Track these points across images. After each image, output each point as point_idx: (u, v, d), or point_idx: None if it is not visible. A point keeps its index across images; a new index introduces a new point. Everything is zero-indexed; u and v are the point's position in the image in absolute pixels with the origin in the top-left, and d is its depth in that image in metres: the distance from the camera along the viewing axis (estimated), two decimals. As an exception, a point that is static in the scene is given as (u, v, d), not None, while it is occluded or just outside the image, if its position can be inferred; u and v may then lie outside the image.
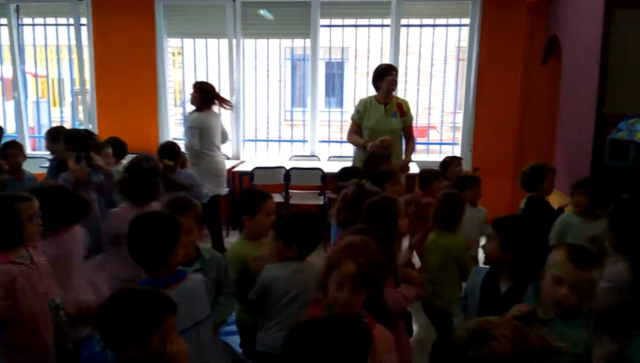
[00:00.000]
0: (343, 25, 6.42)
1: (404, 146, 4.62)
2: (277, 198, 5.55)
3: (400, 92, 5.62)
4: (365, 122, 4.46)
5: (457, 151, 6.21)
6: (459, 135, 6.28)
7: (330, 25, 6.37)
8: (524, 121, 5.98)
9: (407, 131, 4.55)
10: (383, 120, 4.42)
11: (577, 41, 4.79)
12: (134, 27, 6.16)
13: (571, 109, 4.97)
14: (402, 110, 4.48)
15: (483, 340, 1.27)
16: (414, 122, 4.63)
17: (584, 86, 4.49)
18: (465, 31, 6.04)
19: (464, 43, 6.11)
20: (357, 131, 4.51)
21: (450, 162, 4.36)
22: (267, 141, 6.88)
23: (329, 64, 9.37)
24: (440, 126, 7.23)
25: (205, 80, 5.45)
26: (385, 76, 4.37)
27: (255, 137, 6.86)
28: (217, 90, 4.96)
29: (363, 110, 4.49)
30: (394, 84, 4.41)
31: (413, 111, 4.68)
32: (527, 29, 5.84)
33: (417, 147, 5.20)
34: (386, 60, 5.85)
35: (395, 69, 4.45)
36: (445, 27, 6.35)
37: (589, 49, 4.33)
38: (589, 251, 1.86)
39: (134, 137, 5.04)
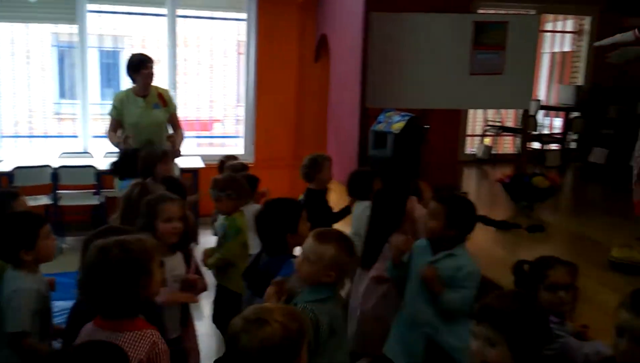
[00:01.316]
0: (114, 12, 6.01)
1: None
2: (44, 199, 5.04)
3: (180, 85, 5.50)
4: (126, 117, 4.17)
5: (240, 144, 6.31)
6: (242, 128, 6.38)
7: (100, 12, 5.91)
8: (301, 114, 6.31)
9: (173, 121, 4.37)
10: (145, 113, 4.19)
11: (343, 41, 5.21)
12: None
13: (339, 104, 5.39)
14: (164, 100, 4.30)
15: (257, 326, 1.29)
16: (199, 115, 4.55)
17: (349, 82, 4.90)
18: (244, 26, 6.14)
19: (244, 37, 6.21)
20: (117, 128, 4.21)
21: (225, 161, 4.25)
22: (30, 137, 6.14)
23: (104, 53, 8.72)
24: (224, 119, 7.27)
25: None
26: (141, 69, 4.14)
27: (16, 133, 6.08)
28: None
29: (120, 105, 4.19)
30: (149, 77, 4.20)
31: (195, 104, 4.59)
32: (300, 27, 6.15)
33: (201, 141, 5.17)
34: (164, 51, 5.66)
35: (151, 61, 4.20)
36: (224, 21, 6.38)
37: (352, 48, 4.74)
38: None
39: None
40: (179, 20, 5.90)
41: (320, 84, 6.08)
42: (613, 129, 6.48)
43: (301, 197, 3.76)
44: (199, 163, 5.48)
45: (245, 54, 6.13)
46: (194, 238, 3.65)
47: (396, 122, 4.48)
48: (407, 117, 4.49)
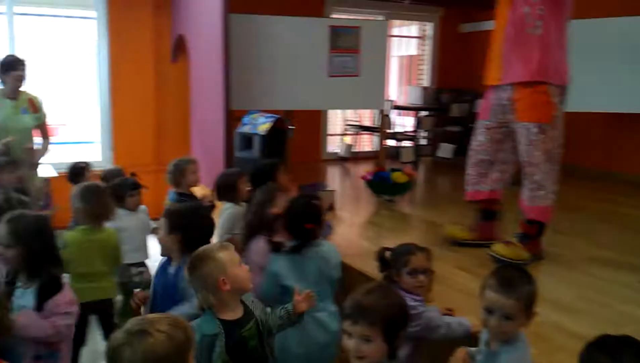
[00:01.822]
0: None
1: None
2: None
3: (24, 88, 5.02)
4: None
5: (97, 150, 5.93)
6: (98, 133, 5.99)
7: None
8: (162, 117, 6.09)
9: (42, 129, 4.23)
10: (12, 116, 4.00)
11: (202, 42, 5.12)
12: None
13: (203, 106, 5.30)
14: (34, 106, 4.14)
15: (139, 338, 1.25)
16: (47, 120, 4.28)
17: (212, 84, 4.83)
18: (95, 24, 5.78)
19: (95, 37, 5.84)
20: None
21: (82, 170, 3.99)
22: None
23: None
24: (76, 123, 6.77)
25: None
26: (11, 70, 3.99)
27: None
28: None
29: None
30: (19, 80, 4.03)
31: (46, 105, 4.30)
32: (154, 26, 5.93)
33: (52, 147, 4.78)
34: (4, 50, 5.13)
35: (23, 64, 4.05)
36: (71, 19, 5.94)
37: (213, 50, 4.67)
38: None
39: None
40: (20, 18, 5.40)
41: (179, 86, 5.92)
42: (457, 126, 7.16)
43: (168, 202, 3.66)
44: (50, 172, 5.05)
45: (97, 55, 5.78)
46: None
47: (262, 124, 4.52)
48: (272, 119, 4.56)
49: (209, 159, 4.88)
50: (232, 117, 4.72)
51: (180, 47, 5.89)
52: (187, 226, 2.26)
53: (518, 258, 3.02)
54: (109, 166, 5.18)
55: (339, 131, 7.63)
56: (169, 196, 3.71)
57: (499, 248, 3.08)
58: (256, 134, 4.53)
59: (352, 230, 3.97)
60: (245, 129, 4.69)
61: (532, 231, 3.12)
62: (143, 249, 3.33)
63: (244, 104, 4.88)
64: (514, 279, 1.63)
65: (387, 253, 2.18)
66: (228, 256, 1.86)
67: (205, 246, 1.94)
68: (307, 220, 2.33)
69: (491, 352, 1.67)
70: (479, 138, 3.30)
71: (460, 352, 1.72)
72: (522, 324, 1.63)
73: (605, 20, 5.27)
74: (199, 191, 3.93)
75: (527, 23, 2.96)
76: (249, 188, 3.19)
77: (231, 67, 4.47)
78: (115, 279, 2.91)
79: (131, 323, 1.30)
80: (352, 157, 7.29)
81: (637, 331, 1.35)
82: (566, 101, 3.08)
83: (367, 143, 7.80)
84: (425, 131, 7.38)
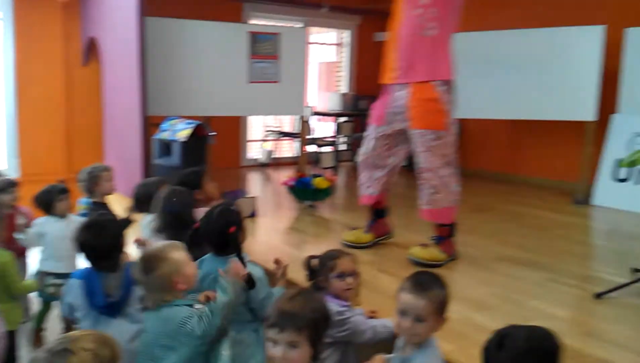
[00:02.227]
0: None
1: None
2: None
3: None
4: None
5: (1, 157, 5.55)
6: (2, 138, 5.61)
7: None
8: (72, 122, 5.81)
9: None
10: None
11: (116, 45, 4.94)
12: None
13: (117, 111, 5.11)
14: None
15: (62, 358, 1.20)
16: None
17: (127, 89, 4.67)
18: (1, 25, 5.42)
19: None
20: None
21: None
22: None
23: None
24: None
25: None
26: None
27: None
28: None
29: None
30: None
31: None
32: (63, 28, 5.65)
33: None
34: None
35: None
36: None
37: (127, 54, 4.53)
38: None
39: None
40: None
41: (91, 90, 5.69)
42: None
43: (82, 211, 3.51)
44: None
45: (3, 57, 5.42)
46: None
47: (181, 130, 4.43)
48: (192, 125, 4.47)
49: (125, 167, 4.71)
50: (149, 124, 4.60)
51: (91, 50, 5.65)
52: (84, 243, 2.18)
53: (435, 260, 3.16)
54: (14, 174, 4.89)
55: (259, 137, 7.62)
56: (80, 204, 3.56)
57: (416, 252, 3.20)
58: (175, 140, 4.43)
59: (275, 236, 3.97)
60: (164, 135, 4.57)
61: (444, 233, 3.26)
62: (68, 259, 3.08)
63: (162, 110, 4.76)
64: (426, 282, 1.72)
65: (314, 261, 2.22)
66: (181, 256, 1.90)
67: (155, 247, 1.93)
68: (228, 226, 2.25)
69: (404, 358, 1.73)
70: (371, 143, 3.36)
71: (378, 360, 1.77)
72: (434, 328, 1.70)
73: (504, 32, 5.62)
74: (113, 199, 3.79)
75: (421, 24, 3.05)
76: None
77: (148, 72, 4.35)
78: (16, 305, 2.72)
79: (54, 341, 1.25)
80: (273, 163, 7.30)
81: (545, 325, 1.46)
82: (456, 99, 3.18)
83: (288, 149, 7.84)
84: (345, 136, 7.52)
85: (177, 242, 1.98)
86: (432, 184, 3.15)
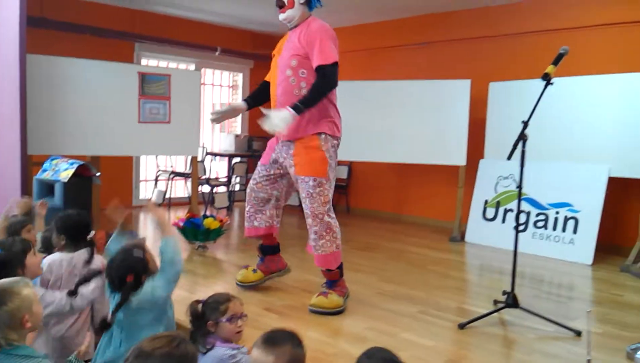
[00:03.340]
0: None
1: None
2: None
3: None
4: None
5: None
6: None
7: None
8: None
9: None
10: None
11: (-3, 81, 4.73)
12: None
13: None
14: None
15: None
16: None
17: (8, 127, 4.47)
18: None
19: None
20: None
21: None
22: None
23: None
24: None
25: None
26: None
27: None
28: None
29: None
30: None
31: None
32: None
33: None
34: None
35: None
36: None
37: (9, 91, 4.36)
38: None
39: None
40: None
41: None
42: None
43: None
44: None
45: None
46: None
47: (64, 170, 4.29)
48: (75, 165, 4.35)
49: (3, 208, 4.44)
50: (33, 163, 4.42)
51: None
52: None
53: (337, 307, 3.22)
54: None
55: (152, 177, 7.49)
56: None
57: (317, 302, 3.23)
58: (58, 181, 4.28)
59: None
60: (46, 175, 4.40)
61: (335, 277, 3.35)
62: None
63: (44, 149, 4.60)
64: (278, 338, 1.70)
65: (199, 306, 2.20)
66: (32, 292, 1.82)
67: (4, 281, 1.84)
68: (128, 272, 2.19)
69: None
70: (257, 178, 3.50)
71: None
72: None
73: (390, 82, 6.10)
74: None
75: (293, 85, 3.19)
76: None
77: (30, 110, 4.21)
78: None
79: None
80: (166, 203, 7.19)
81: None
82: (336, 152, 3.32)
83: (181, 189, 7.76)
84: (238, 176, 7.60)
85: (26, 278, 1.92)
86: (315, 231, 3.24)
